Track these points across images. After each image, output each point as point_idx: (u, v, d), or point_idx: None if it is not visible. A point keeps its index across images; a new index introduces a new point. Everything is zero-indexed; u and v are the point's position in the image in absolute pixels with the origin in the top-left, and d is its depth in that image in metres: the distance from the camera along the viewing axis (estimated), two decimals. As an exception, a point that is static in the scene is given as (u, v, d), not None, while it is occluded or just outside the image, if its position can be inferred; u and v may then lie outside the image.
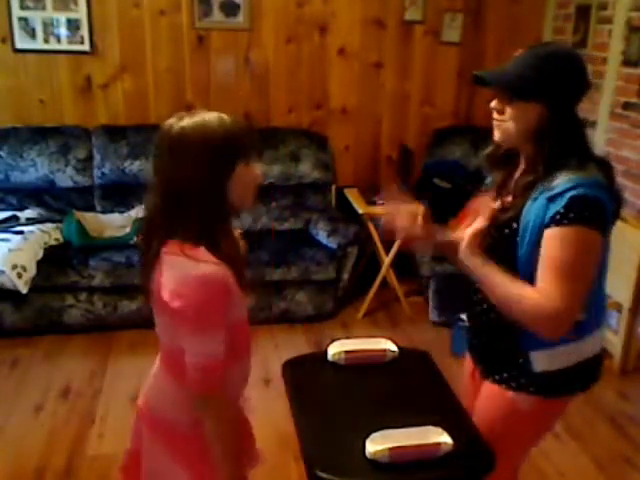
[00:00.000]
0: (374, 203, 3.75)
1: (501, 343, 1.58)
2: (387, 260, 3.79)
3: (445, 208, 3.90)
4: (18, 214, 3.57)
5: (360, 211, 3.69)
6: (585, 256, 1.37)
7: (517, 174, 1.52)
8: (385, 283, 3.90)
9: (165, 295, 1.31)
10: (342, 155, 4.24)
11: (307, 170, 3.97)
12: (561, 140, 1.42)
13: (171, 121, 1.34)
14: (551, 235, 1.37)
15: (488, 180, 1.66)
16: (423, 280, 3.78)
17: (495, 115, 1.49)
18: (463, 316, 3.38)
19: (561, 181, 1.37)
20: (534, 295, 1.38)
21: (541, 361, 1.51)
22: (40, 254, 3.34)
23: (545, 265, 1.38)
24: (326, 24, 4.03)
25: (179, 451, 1.47)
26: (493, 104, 1.48)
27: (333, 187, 4.12)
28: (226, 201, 1.34)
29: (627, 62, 3.35)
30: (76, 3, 3.72)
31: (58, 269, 3.34)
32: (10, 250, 3.21)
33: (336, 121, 4.21)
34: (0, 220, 3.49)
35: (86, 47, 3.81)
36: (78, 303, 3.40)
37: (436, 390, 1.74)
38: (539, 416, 1.59)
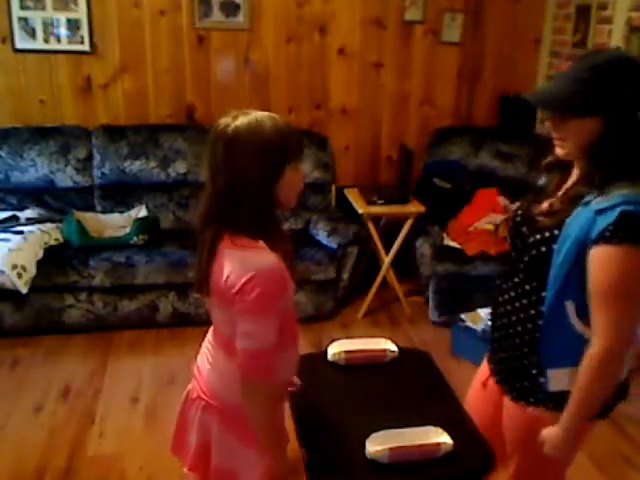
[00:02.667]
0: (374, 203, 3.75)
1: (521, 358, 1.54)
2: (387, 260, 3.79)
3: (445, 208, 3.94)
4: (18, 214, 3.57)
5: (360, 211, 3.69)
6: (635, 279, 1.33)
7: (570, 181, 1.49)
8: (385, 283, 3.90)
9: (230, 287, 1.36)
10: (342, 155, 4.24)
11: (307, 170, 3.97)
12: (619, 154, 1.37)
13: (226, 120, 1.38)
14: (600, 255, 1.32)
15: (541, 182, 1.62)
16: (423, 280, 3.78)
17: (553, 134, 1.45)
18: (463, 316, 3.38)
19: (613, 195, 1.33)
20: (588, 361, 1.37)
21: (557, 380, 1.47)
22: (40, 254, 3.34)
23: (594, 289, 1.34)
24: (326, 24, 4.03)
25: (251, 434, 1.51)
26: (547, 125, 1.46)
27: (333, 187, 4.12)
28: (275, 200, 1.40)
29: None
30: (76, 3, 3.72)
31: (58, 269, 3.34)
32: (10, 250, 3.20)
33: (336, 121, 4.21)
34: (0, 220, 3.50)
35: (86, 47, 3.81)
36: (78, 303, 3.40)
37: (436, 390, 1.74)
38: None
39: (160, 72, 3.94)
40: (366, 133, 4.28)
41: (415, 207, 3.74)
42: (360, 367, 1.79)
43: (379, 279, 3.83)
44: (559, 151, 1.46)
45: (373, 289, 3.82)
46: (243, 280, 1.34)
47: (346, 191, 4.04)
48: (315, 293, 3.63)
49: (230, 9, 3.89)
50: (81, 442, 2.62)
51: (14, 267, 3.15)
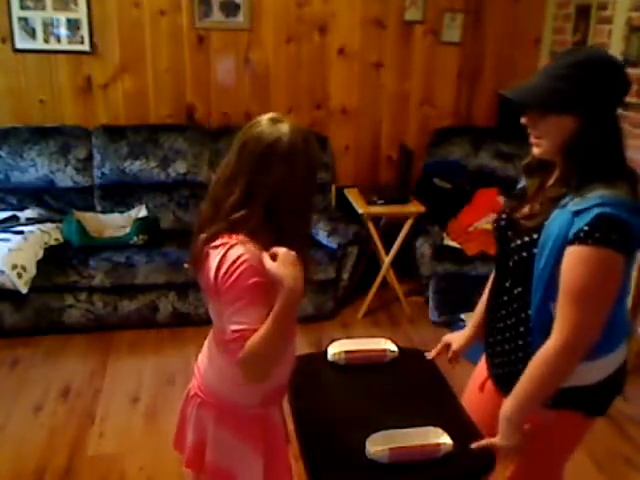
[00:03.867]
0: (374, 203, 3.75)
1: (516, 362, 1.53)
2: (387, 260, 3.79)
3: (445, 208, 3.94)
4: (18, 214, 3.57)
5: (360, 211, 3.69)
6: (605, 281, 1.33)
7: (550, 182, 1.48)
8: (385, 283, 3.90)
9: (214, 279, 1.38)
10: (342, 155, 4.24)
11: (307, 170, 3.97)
12: (596, 152, 1.36)
13: (278, 132, 1.39)
14: (574, 254, 1.32)
15: (520, 185, 1.61)
16: (423, 280, 3.78)
17: (529, 131, 1.44)
18: (463, 316, 3.38)
19: (590, 196, 1.32)
20: (544, 352, 1.38)
21: None
22: (40, 254, 3.34)
23: (564, 286, 1.35)
24: (326, 24, 4.03)
25: (246, 432, 1.52)
26: (523, 121, 1.44)
27: (333, 187, 4.12)
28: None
29: (627, 62, 3.34)
30: (76, 3, 3.72)
31: (58, 269, 3.34)
32: (10, 250, 3.20)
33: (336, 121, 4.21)
34: (0, 220, 3.50)
35: (86, 47, 3.81)
36: (78, 303, 3.40)
37: (436, 390, 1.74)
38: (558, 430, 1.53)
39: (160, 72, 3.94)
40: (366, 133, 4.28)
41: (415, 207, 3.74)
42: (360, 367, 1.78)
43: (379, 279, 3.83)
44: (536, 150, 1.46)
45: (373, 289, 3.82)
46: (217, 272, 1.36)
47: (346, 191, 4.04)
48: (315, 293, 3.63)
49: (230, 9, 3.89)
50: (81, 442, 2.62)
51: (14, 267, 3.15)
